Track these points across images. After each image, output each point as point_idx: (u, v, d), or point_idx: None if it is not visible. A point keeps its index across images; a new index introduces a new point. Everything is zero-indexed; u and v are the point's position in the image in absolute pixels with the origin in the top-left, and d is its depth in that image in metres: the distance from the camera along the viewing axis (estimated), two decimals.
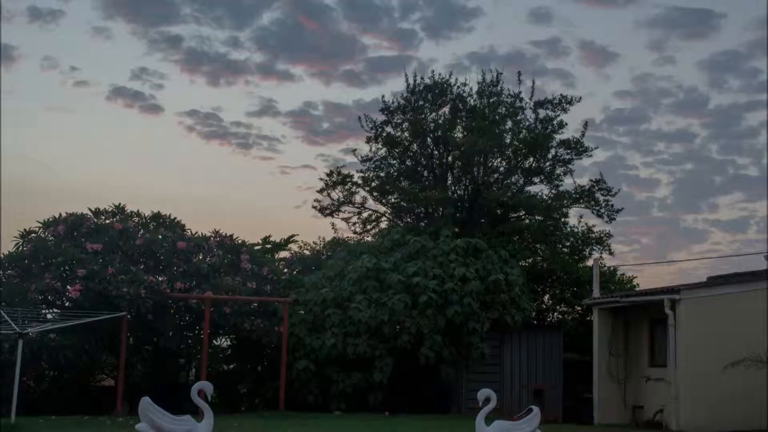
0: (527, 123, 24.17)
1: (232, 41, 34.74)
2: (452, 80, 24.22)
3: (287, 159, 40.67)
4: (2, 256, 18.05)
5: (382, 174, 24.39)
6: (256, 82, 36.34)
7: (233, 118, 42.73)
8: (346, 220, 24.92)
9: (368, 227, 25.10)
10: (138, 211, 20.01)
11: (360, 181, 24.44)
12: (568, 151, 24.07)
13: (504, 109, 24.18)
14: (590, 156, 24.29)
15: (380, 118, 24.39)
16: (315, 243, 25.20)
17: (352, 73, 35.21)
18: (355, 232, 25.02)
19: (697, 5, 36.20)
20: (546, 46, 32.17)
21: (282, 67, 38.24)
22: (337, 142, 37.99)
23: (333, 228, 25.33)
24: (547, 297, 24.98)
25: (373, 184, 24.25)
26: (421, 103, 24.12)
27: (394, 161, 24.55)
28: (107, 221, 19.11)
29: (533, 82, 24.24)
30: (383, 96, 24.51)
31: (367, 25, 34.29)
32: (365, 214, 25.05)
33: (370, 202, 24.97)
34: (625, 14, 34.37)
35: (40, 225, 18.32)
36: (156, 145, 39.16)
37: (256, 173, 39.57)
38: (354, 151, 24.72)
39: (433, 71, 24.40)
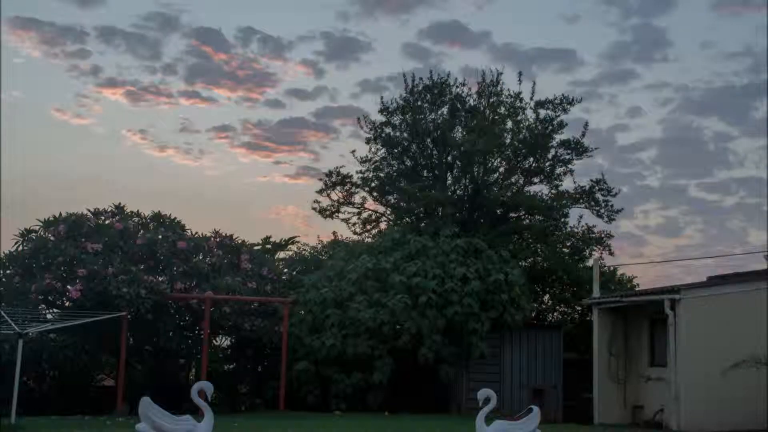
0: (527, 123, 24.16)
1: (149, 69, 37.10)
2: (451, 80, 24.24)
3: (236, 168, 42.10)
4: (2, 255, 18.06)
5: (381, 174, 24.37)
6: (180, 103, 37.91)
7: (168, 137, 44.86)
8: (346, 220, 24.90)
9: (368, 227, 25.08)
10: (138, 211, 20.03)
11: (359, 182, 24.43)
12: (568, 152, 24.08)
13: (504, 109, 24.18)
14: (590, 156, 24.35)
15: (379, 118, 24.39)
16: (314, 246, 25.23)
17: (272, 100, 37.63)
18: (355, 233, 25.03)
19: (556, 45, 40.64)
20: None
21: (205, 93, 40.25)
22: (271, 152, 39.43)
23: (333, 235, 25.46)
24: (547, 297, 24.96)
25: (373, 184, 24.23)
26: (419, 103, 24.09)
27: (394, 162, 24.53)
28: (107, 221, 19.11)
29: (533, 83, 24.27)
30: (382, 96, 24.48)
31: (274, 55, 37.00)
32: (365, 215, 25.05)
33: (370, 203, 25.00)
34: (479, 54, 37.10)
35: (41, 224, 18.32)
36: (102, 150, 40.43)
37: (209, 179, 41.09)
38: (353, 151, 24.72)
39: (431, 71, 24.38)
